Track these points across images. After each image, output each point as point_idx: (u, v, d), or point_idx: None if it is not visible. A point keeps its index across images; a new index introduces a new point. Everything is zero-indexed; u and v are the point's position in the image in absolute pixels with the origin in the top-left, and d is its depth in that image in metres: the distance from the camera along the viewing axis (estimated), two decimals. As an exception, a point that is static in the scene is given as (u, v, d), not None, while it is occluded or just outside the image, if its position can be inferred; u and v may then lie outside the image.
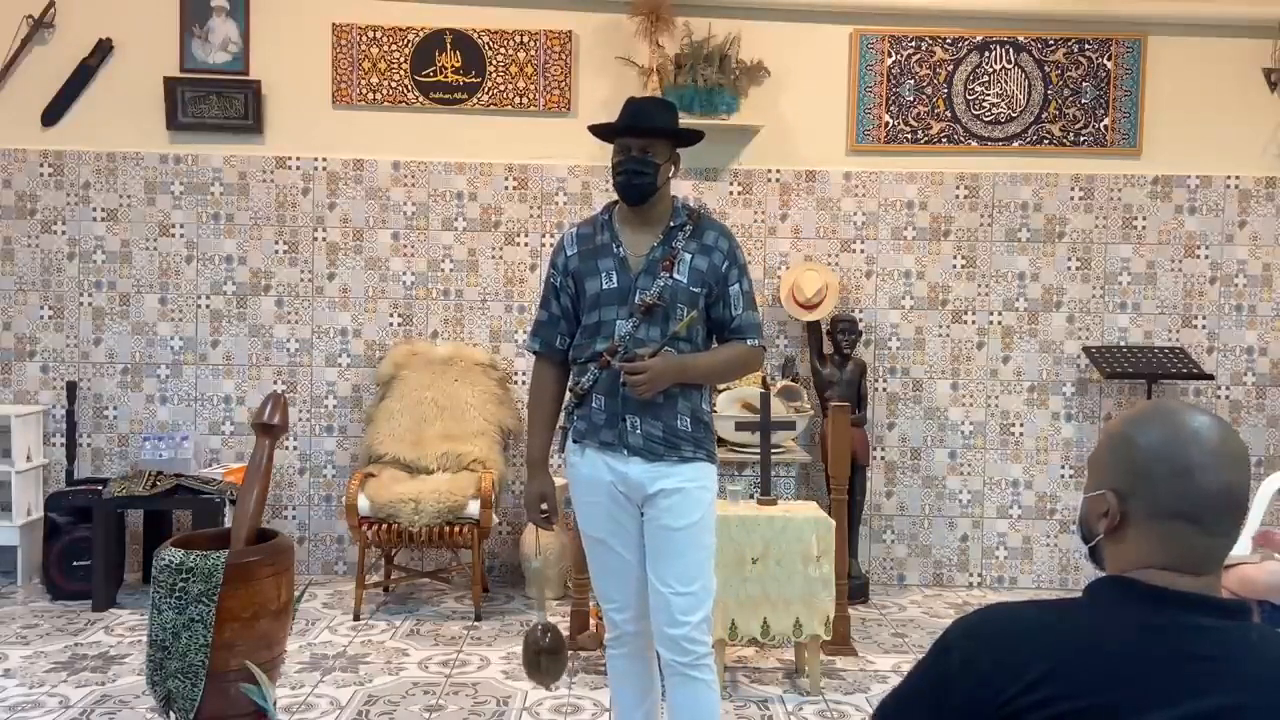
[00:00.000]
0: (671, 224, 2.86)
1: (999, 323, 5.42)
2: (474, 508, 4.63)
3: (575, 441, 2.86)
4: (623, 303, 2.79)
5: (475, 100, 5.30)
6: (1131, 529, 1.38)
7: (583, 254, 2.88)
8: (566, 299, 2.90)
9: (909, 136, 5.36)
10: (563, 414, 2.95)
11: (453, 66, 5.28)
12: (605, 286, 2.81)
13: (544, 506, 2.92)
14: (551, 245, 5.33)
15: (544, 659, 3.08)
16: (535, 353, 2.97)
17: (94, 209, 5.28)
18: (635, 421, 2.77)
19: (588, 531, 2.92)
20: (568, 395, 2.91)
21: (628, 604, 2.88)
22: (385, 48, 5.26)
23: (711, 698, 2.81)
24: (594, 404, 2.81)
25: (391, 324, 5.36)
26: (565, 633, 3.47)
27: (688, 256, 2.81)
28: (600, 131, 2.96)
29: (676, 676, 2.79)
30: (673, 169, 2.89)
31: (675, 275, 2.78)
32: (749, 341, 2.87)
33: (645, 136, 2.83)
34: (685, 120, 5.11)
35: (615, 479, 2.80)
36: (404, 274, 5.35)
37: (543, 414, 2.97)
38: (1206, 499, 1.35)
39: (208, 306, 5.33)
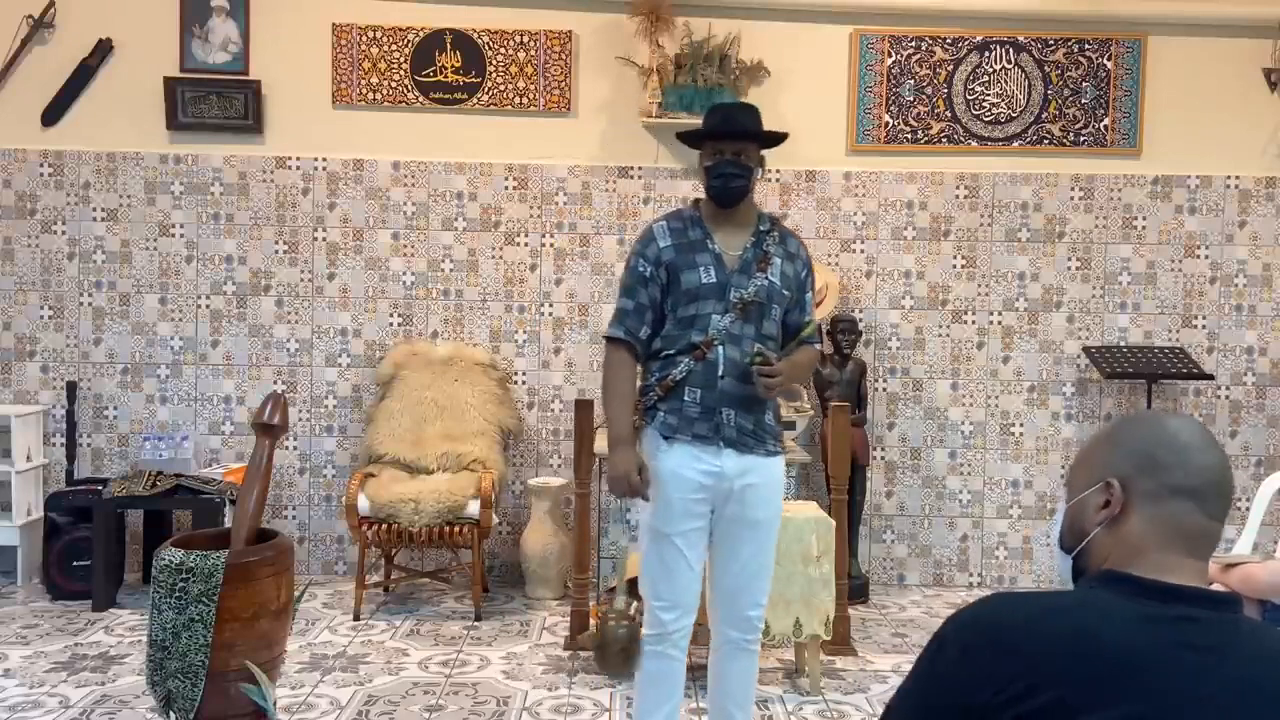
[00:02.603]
0: (761, 228, 2.99)
1: (999, 323, 5.42)
2: (474, 508, 4.63)
3: (665, 437, 2.90)
4: (719, 298, 2.89)
5: (475, 100, 5.30)
6: (1134, 513, 1.42)
7: (677, 247, 2.94)
8: (656, 289, 2.95)
9: (909, 136, 5.36)
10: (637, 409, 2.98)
11: (453, 66, 5.28)
12: (704, 280, 2.90)
13: (640, 476, 2.87)
14: (551, 245, 5.34)
15: (620, 653, 3.09)
16: (617, 340, 2.97)
17: (94, 209, 5.28)
18: (730, 415, 2.87)
19: (658, 526, 2.92)
20: (654, 389, 2.94)
21: (677, 603, 2.92)
22: (385, 48, 5.26)
23: (757, 667, 3.11)
24: (686, 397, 2.88)
25: (391, 324, 5.36)
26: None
27: (778, 260, 2.95)
28: (692, 136, 3.04)
29: (738, 651, 3.01)
30: (760, 171, 3.00)
31: (770, 276, 2.92)
32: (815, 345, 3.09)
33: (741, 141, 2.93)
34: (685, 120, 5.15)
35: (703, 475, 2.87)
36: (404, 274, 5.35)
37: (625, 396, 2.98)
38: (1205, 475, 1.41)
39: (208, 306, 5.33)
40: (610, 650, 3.11)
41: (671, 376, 2.89)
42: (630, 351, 2.98)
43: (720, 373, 2.86)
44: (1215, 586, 2.73)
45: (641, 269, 2.95)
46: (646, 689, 3.01)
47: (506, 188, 5.34)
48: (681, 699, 3.03)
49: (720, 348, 2.86)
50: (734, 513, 2.92)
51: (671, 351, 2.91)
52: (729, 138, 2.92)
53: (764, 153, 3.00)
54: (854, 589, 4.81)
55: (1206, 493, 1.41)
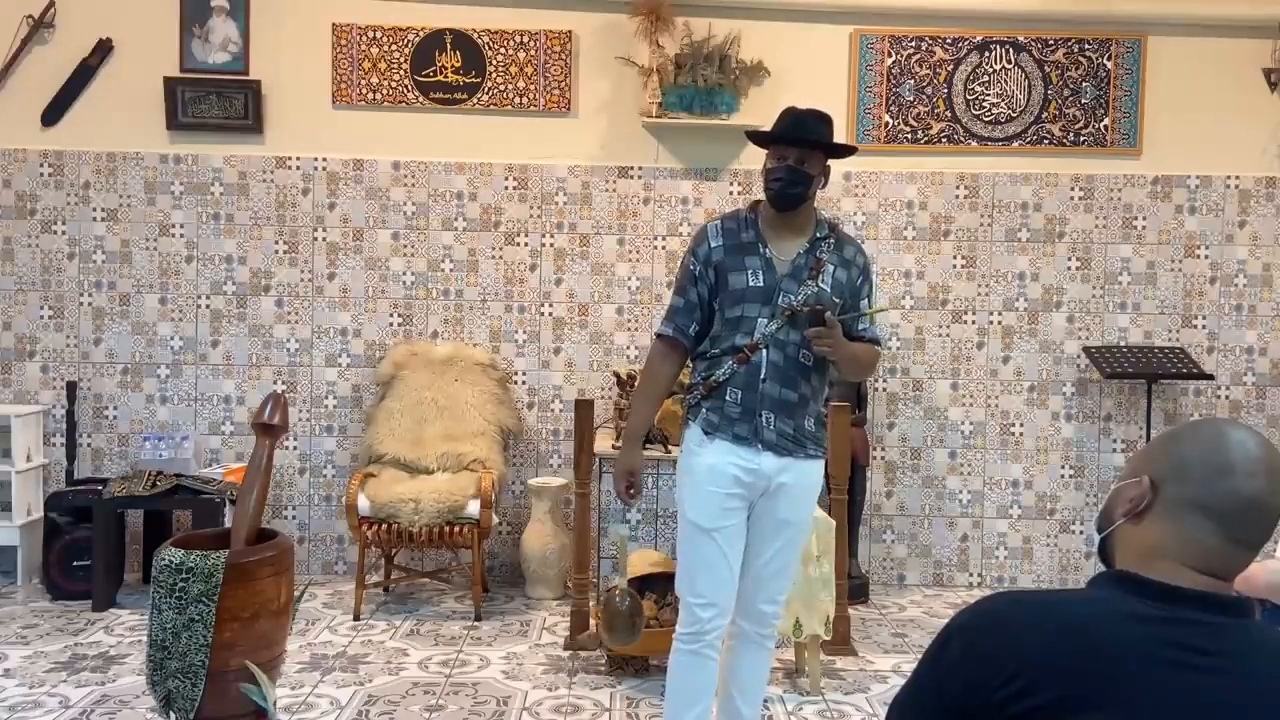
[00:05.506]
0: (817, 235, 2.97)
1: (999, 323, 5.42)
2: (474, 508, 4.63)
3: (706, 433, 2.92)
4: (765, 302, 2.89)
5: (475, 100, 5.30)
6: (1154, 515, 1.40)
7: (728, 248, 2.96)
8: (704, 288, 2.97)
9: (909, 136, 5.36)
10: (684, 405, 3.04)
11: (453, 66, 5.28)
12: (751, 284, 2.90)
13: (631, 481, 3.04)
14: (551, 245, 5.34)
15: (621, 622, 3.61)
16: (666, 337, 3.02)
17: (94, 209, 5.28)
18: (770, 418, 2.88)
19: (696, 521, 2.93)
20: (698, 388, 2.97)
21: (715, 600, 2.92)
22: (385, 48, 5.26)
23: (769, 664, 3.15)
24: (728, 397, 2.89)
25: (391, 324, 5.36)
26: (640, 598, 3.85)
27: (831, 267, 2.94)
28: (756, 138, 3.07)
29: (751, 645, 3.05)
30: (823, 180, 2.98)
31: (820, 284, 2.91)
32: (878, 347, 3.09)
33: (804, 148, 2.92)
34: (685, 121, 5.15)
35: (741, 471, 2.88)
36: (404, 274, 5.35)
37: (655, 395, 3.06)
38: (1235, 500, 1.37)
39: (208, 306, 5.33)
40: (617, 619, 3.56)
41: (715, 377, 2.91)
42: (676, 348, 3.01)
43: (762, 376, 2.86)
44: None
45: (692, 267, 2.99)
46: (677, 689, 2.99)
47: (506, 188, 5.34)
48: (713, 700, 3.01)
49: (764, 351, 2.87)
50: (765, 509, 2.94)
51: (717, 352, 2.93)
52: (793, 143, 2.91)
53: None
54: (854, 589, 4.81)
55: (1232, 517, 1.37)
